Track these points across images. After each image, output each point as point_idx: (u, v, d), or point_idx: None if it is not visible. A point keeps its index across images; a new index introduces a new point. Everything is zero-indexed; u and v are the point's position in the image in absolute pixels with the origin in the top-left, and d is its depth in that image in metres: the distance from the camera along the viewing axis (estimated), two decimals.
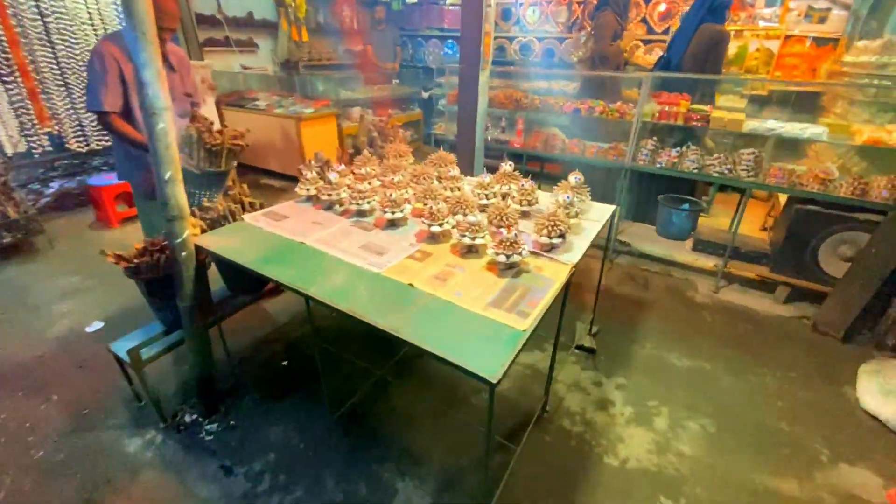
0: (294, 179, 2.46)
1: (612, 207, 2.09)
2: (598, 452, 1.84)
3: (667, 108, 2.65)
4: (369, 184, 2.05)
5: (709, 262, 2.96)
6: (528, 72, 4.27)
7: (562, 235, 1.63)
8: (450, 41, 6.05)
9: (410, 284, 1.45)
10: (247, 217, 1.96)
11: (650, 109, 2.71)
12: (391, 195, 1.83)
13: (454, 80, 3.97)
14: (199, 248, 1.72)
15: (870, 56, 2.64)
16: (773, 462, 1.81)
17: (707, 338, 2.54)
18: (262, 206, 2.09)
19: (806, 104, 4.01)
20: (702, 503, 1.65)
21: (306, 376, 2.17)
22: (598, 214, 2.00)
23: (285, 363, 2.29)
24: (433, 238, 1.74)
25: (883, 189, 2.20)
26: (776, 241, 2.72)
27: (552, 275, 1.53)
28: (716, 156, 2.57)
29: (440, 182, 2.18)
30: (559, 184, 2.03)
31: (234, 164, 2.22)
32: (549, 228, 1.62)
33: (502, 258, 1.48)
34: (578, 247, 1.70)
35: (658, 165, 2.76)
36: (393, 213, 1.82)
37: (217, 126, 2.21)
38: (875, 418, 2.00)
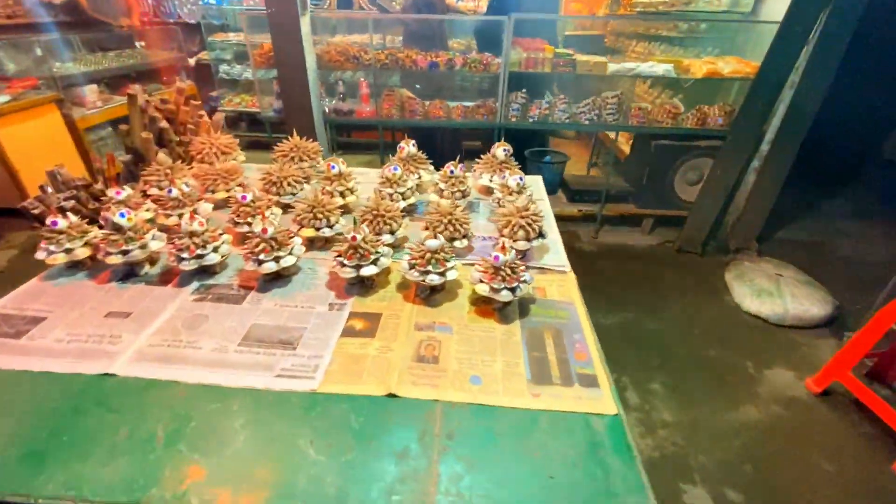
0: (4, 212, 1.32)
1: (538, 178, 1.74)
2: None
3: (532, 56, 2.41)
4: (197, 215, 1.18)
5: (582, 209, 3.01)
6: (344, 22, 3.48)
7: (541, 234, 1.19)
8: None
9: (391, 395, 0.80)
10: None
11: (516, 58, 2.43)
12: (265, 230, 1.05)
13: (255, 39, 2.94)
14: None
15: None
16: (728, 394, 1.89)
17: (611, 285, 2.56)
18: None
19: (597, 45, 4.40)
20: (711, 471, 1.58)
21: None
22: (537, 192, 1.62)
23: None
24: (363, 286, 1.08)
25: (718, 117, 2.46)
26: (635, 178, 2.90)
27: (561, 294, 1.09)
28: (584, 102, 2.48)
29: (306, 183, 1.45)
30: (480, 159, 1.56)
31: None
32: (528, 228, 1.16)
33: (505, 294, 0.96)
34: (554, 242, 1.30)
35: (531, 120, 2.54)
36: (278, 259, 1.05)
37: None
38: (757, 317, 2.31)
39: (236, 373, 0.84)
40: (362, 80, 2.57)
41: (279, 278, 1.10)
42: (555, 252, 1.25)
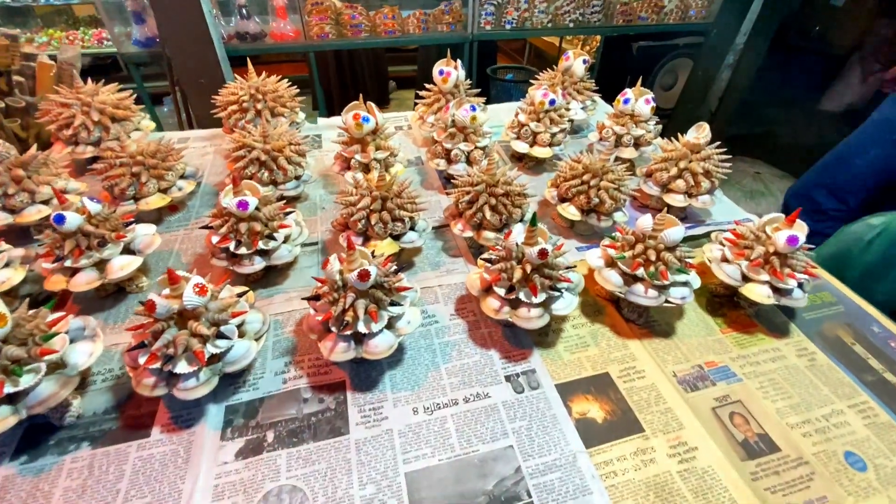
0: None
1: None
2: None
3: None
4: (193, 279, 0.57)
5: None
6: None
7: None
8: None
9: None
10: None
11: None
12: (364, 274, 0.50)
13: None
14: None
15: None
16: None
17: None
18: None
19: None
20: None
21: None
22: None
23: None
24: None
25: (702, 8, 2.21)
26: (605, 89, 2.61)
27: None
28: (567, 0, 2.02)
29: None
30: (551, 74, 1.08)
31: None
32: (712, 177, 0.77)
33: (797, 295, 0.59)
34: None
35: (507, 27, 2.01)
36: (392, 323, 0.53)
37: None
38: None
39: None
40: None
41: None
42: (720, 201, 0.90)
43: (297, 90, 0.97)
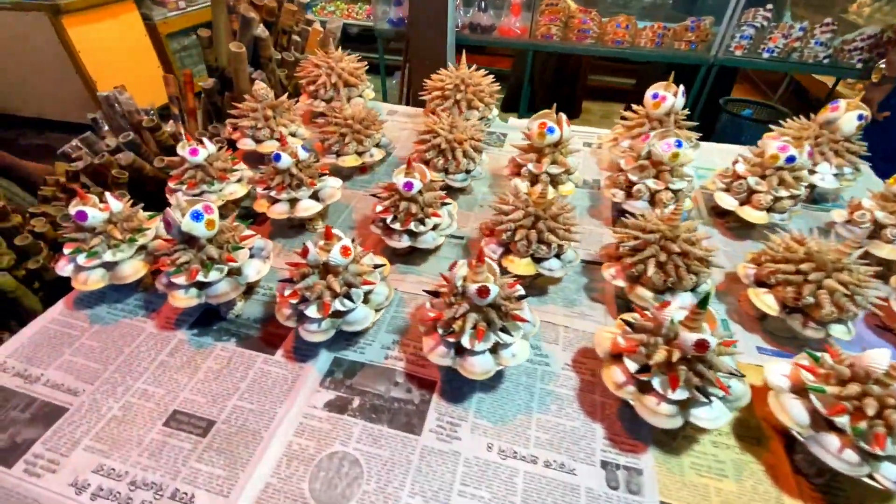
0: (69, 128, 0.88)
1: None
2: None
3: None
4: (340, 238, 0.65)
5: None
6: None
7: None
8: None
9: None
10: None
11: None
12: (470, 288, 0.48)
13: None
14: None
15: None
16: None
17: None
18: None
19: None
20: None
21: None
22: None
23: None
24: None
25: None
26: None
27: None
28: (864, 33, 1.57)
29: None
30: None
31: None
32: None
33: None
34: None
35: (765, 55, 1.68)
36: (495, 350, 0.50)
37: None
38: None
39: None
40: None
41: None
42: None
43: (499, 86, 0.98)
